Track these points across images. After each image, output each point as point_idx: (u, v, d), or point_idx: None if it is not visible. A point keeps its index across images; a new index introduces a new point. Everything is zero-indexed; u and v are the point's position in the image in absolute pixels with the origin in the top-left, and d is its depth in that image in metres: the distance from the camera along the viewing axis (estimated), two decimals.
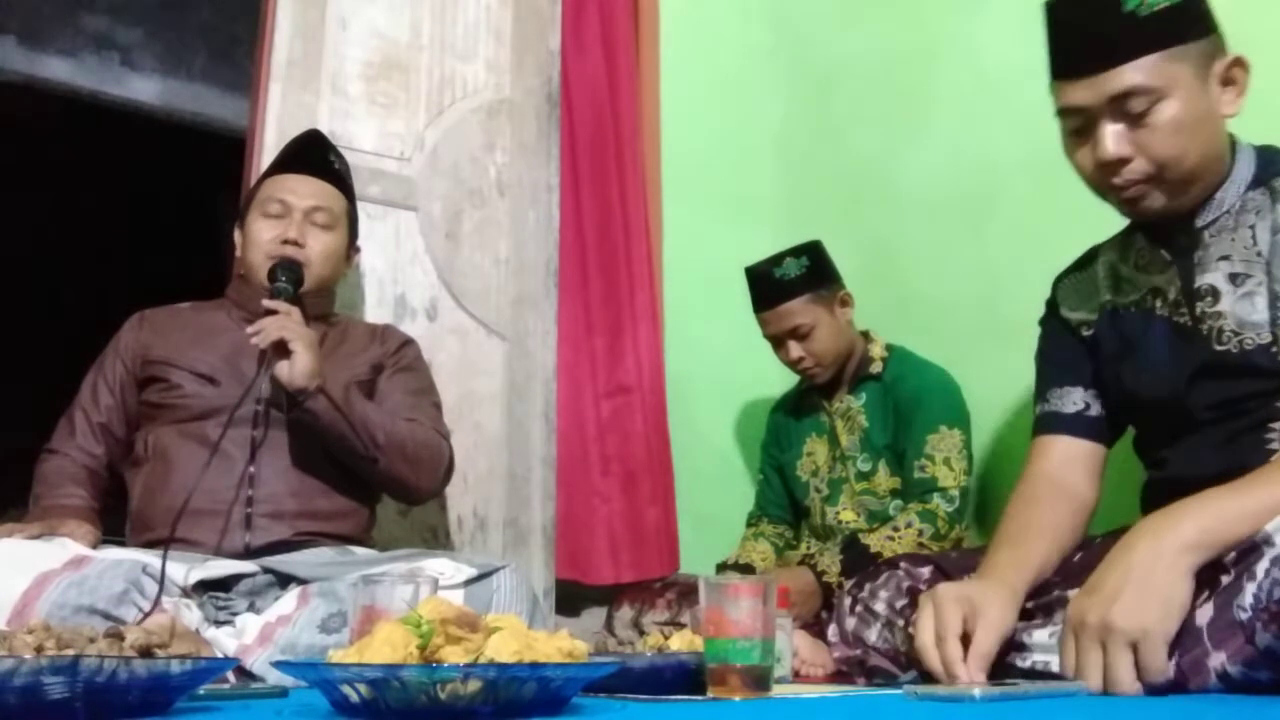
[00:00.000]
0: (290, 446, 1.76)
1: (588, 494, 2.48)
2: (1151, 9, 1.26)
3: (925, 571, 1.51)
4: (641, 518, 2.50)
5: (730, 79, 2.92)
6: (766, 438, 2.53)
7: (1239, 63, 1.32)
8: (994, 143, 2.33)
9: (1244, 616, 1.06)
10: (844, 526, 2.25)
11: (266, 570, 1.62)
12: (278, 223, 1.86)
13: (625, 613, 2.30)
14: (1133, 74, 1.26)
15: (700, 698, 1.17)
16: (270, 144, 2.15)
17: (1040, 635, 1.28)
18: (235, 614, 1.56)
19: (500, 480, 2.32)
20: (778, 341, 2.31)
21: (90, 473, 1.81)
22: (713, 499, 2.66)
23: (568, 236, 2.54)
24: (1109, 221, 1.58)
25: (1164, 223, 1.39)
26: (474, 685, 0.86)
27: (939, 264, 2.43)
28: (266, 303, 1.73)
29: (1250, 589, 1.06)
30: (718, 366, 2.74)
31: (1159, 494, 1.38)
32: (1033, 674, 1.26)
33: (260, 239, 1.85)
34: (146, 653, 0.88)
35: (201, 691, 1.02)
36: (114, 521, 1.82)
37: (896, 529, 2.07)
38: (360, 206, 2.05)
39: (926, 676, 1.41)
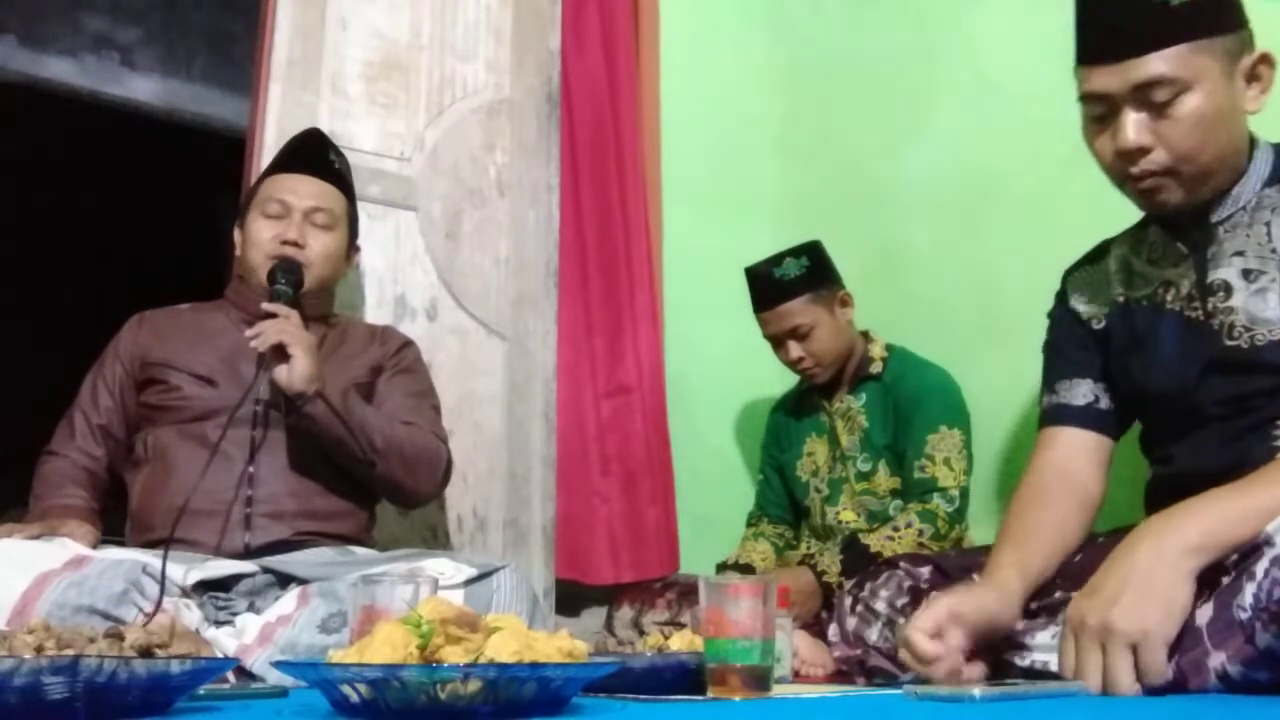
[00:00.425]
0: (289, 447, 1.76)
1: (588, 494, 2.48)
2: None
3: (925, 571, 1.51)
4: (641, 518, 2.50)
5: (730, 79, 2.92)
6: (766, 438, 2.53)
7: (1266, 59, 1.31)
8: (994, 143, 2.33)
9: (1244, 616, 1.06)
10: (844, 526, 2.25)
11: (266, 570, 1.62)
12: (278, 223, 1.85)
13: (625, 613, 2.30)
14: (1159, 63, 1.26)
15: (700, 698, 1.17)
16: (270, 144, 2.15)
17: (1043, 636, 1.28)
18: (235, 614, 1.56)
19: (500, 480, 2.32)
20: (778, 341, 2.31)
21: (90, 474, 1.81)
22: (713, 499, 2.66)
23: (568, 236, 2.54)
24: (1109, 222, 1.59)
25: (1179, 217, 1.38)
26: (474, 685, 0.86)
27: (939, 264, 2.43)
28: (266, 306, 1.73)
29: (1250, 589, 1.06)
30: (718, 366, 2.74)
31: (1164, 490, 1.37)
32: (1032, 673, 1.26)
33: (260, 239, 1.85)
34: (146, 653, 0.88)
35: (201, 691, 1.02)
36: (114, 522, 1.82)
37: (896, 529, 2.07)
38: (360, 206, 2.05)
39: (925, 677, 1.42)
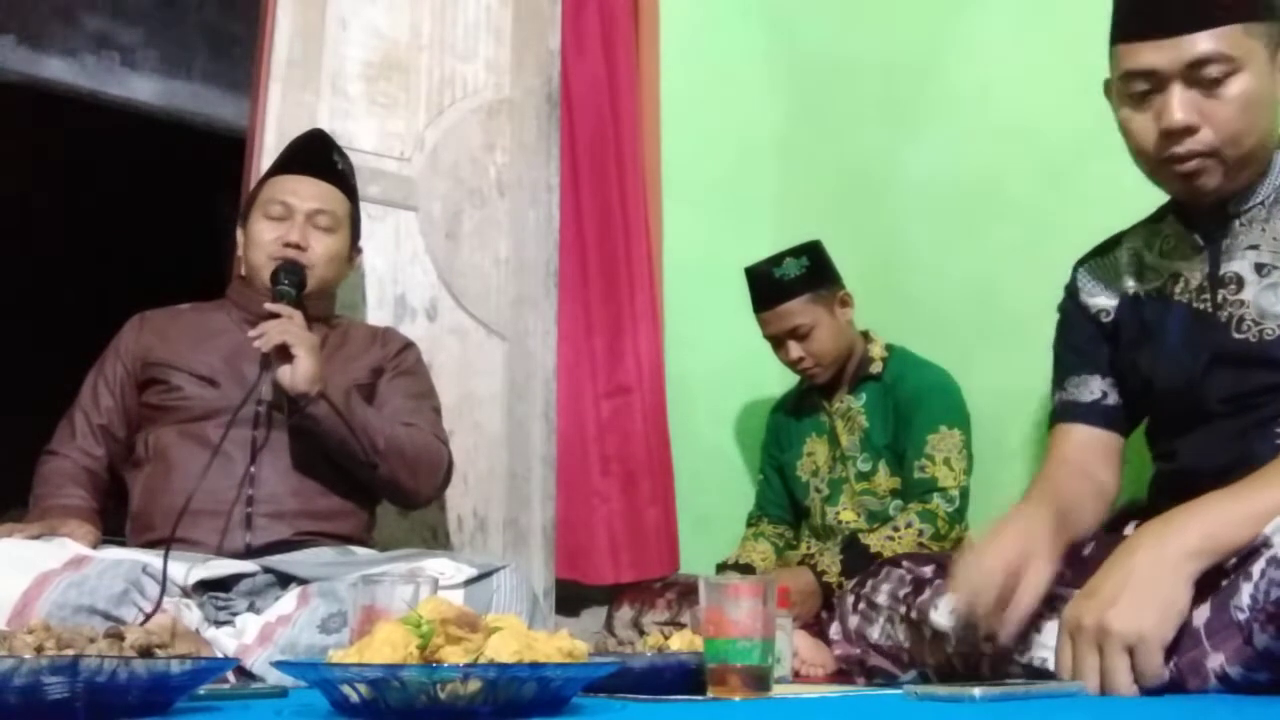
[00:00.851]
0: (291, 447, 1.76)
1: (587, 494, 2.48)
2: None
3: (928, 570, 1.51)
4: (641, 518, 2.50)
5: (730, 79, 2.92)
6: (766, 438, 2.53)
7: None
8: (994, 143, 2.33)
9: (1241, 617, 1.06)
10: (844, 526, 2.25)
11: (267, 570, 1.62)
12: (280, 224, 1.85)
13: (625, 613, 2.30)
14: (1214, 41, 1.25)
15: (700, 698, 1.17)
16: (270, 144, 2.15)
17: (1049, 629, 1.27)
18: (235, 614, 1.56)
19: (500, 480, 2.32)
20: (778, 341, 2.31)
21: (90, 474, 1.81)
22: (713, 499, 2.66)
23: (568, 236, 2.54)
24: (1109, 222, 1.59)
25: (1200, 208, 1.38)
26: (474, 685, 0.86)
27: (939, 264, 2.43)
28: (269, 306, 1.73)
29: (1247, 590, 1.06)
30: (718, 366, 2.74)
31: (1167, 486, 1.38)
32: (1032, 670, 1.26)
33: (262, 240, 1.85)
34: (146, 653, 0.88)
35: (201, 691, 1.02)
36: (114, 522, 1.82)
37: (896, 529, 2.07)
38: (361, 206, 2.04)
39: (926, 677, 1.42)
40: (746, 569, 2.29)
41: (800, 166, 2.86)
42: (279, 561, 1.64)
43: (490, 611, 1.41)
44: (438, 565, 1.56)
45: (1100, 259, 1.56)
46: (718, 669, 1.15)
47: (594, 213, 2.59)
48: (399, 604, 1.11)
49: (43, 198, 4.49)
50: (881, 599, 1.52)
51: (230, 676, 1.39)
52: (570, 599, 2.42)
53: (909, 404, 2.21)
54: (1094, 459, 1.49)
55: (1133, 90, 1.32)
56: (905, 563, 1.55)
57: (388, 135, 2.33)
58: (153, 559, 1.50)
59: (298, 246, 1.83)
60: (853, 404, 2.30)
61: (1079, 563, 1.35)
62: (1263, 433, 1.29)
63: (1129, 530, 1.36)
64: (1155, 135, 1.31)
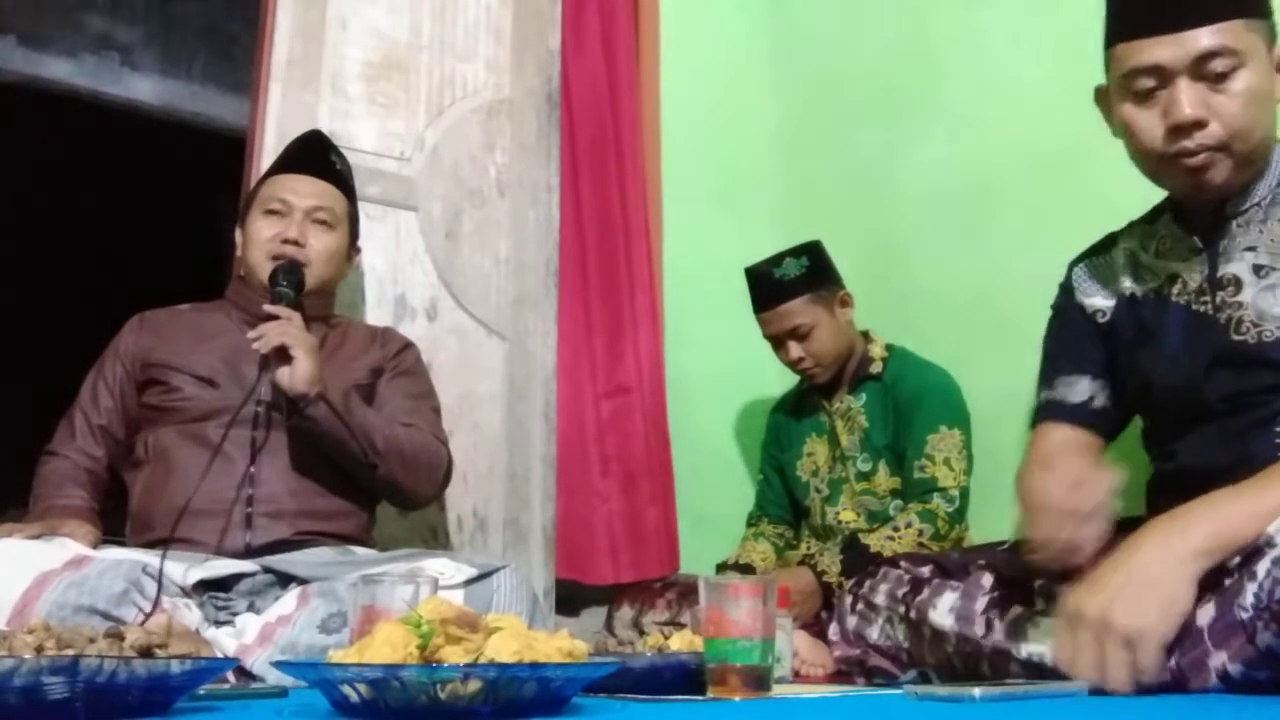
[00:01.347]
0: (290, 447, 1.76)
1: (587, 494, 2.48)
2: None
3: (926, 570, 1.51)
4: (641, 518, 2.50)
5: (730, 79, 2.92)
6: (766, 438, 2.53)
7: None
8: (994, 142, 2.33)
9: (1245, 616, 1.06)
10: (844, 526, 2.25)
11: (266, 570, 1.62)
12: (279, 222, 1.85)
13: (625, 613, 2.30)
14: (1220, 35, 1.26)
15: (700, 698, 1.17)
16: (270, 144, 2.15)
17: (1046, 623, 1.27)
18: (235, 614, 1.56)
19: (500, 480, 2.32)
20: (778, 342, 2.31)
21: (90, 474, 1.81)
22: (713, 499, 2.66)
23: (568, 236, 2.54)
24: (1108, 222, 1.59)
25: (1194, 209, 1.38)
26: (474, 685, 0.86)
27: (939, 264, 2.43)
28: (268, 307, 1.73)
29: (1251, 589, 1.06)
30: (718, 366, 2.74)
31: (1166, 486, 1.38)
32: (1031, 667, 1.26)
33: (260, 238, 1.85)
34: (146, 653, 0.88)
35: (201, 691, 1.02)
36: (114, 522, 1.82)
37: (896, 529, 2.07)
38: (360, 206, 2.05)
39: (926, 676, 1.42)
40: (746, 569, 2.29)
41: (800, 166, 2.86)
42: (279, 561, 1.64)
43: (490, 611, 1.41)
44: (438, 565, 1.56)
45: (1096, 258, 1.55)
46: (718, 669, 1.15)
47: (594, 213, 2.59)
48: (399, 604, 1.11)
49: (43, 198, 4.49)
50: (880, 599, 1.52)
51: (230, 676, 1.39)
52: (570, 599, 2.42)
53: (909, 404, 2.21)
54: (1078, 456, 1.47)
55: (1138, 88, 1.32)
56: (903, 563, 1.55)
57: (387, 135, 2.33)
58: (153, 559, 1.50)
59: (296, 243, 1.83)
60: (853, 404, 2.30)
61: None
62: (1262, 433, 1.29)
63: None
64: (1163, 132, 1.31)
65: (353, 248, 1.99)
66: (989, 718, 0.97)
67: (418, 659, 0.90)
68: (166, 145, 4.27)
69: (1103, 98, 1.41)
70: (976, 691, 1.06)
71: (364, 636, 0.96)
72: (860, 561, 1.98)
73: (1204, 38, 1.26)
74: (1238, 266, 1.34)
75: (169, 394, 1.78)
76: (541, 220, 2.49)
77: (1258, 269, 1.32)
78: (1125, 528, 1.42)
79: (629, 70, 2.69)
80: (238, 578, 1.61)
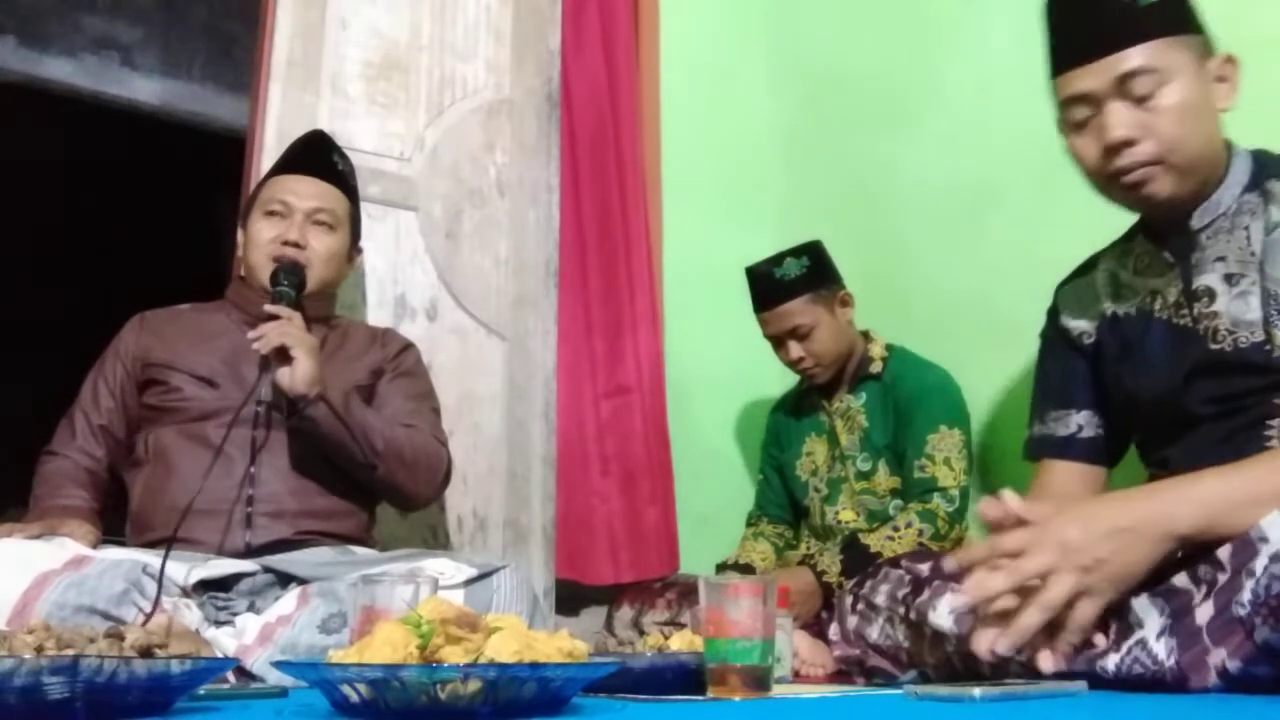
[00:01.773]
0: (290, 447, 1.76)
1: (587, 494, 2.48)
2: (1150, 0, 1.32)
3: (925, 568, 1.51)
4: (641, 518, 2.50)
5: (730, 79, 2.92)
6: (766, 438, 2.53)
7: (1230, 60, 1.36)
8: (994, 143, 2.33)
9: (1243, 613, 1.06)
10: (843, 526, 2.25)
11: (267, 570, 1.62)
12: (280, 222, 1.85)
13: (625, 613, 2.30)
14: (1139, 55, 1.31)
15: (700, 698, 1.17)
16: (270, 144, 2.15)
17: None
18: (235, 614, 1.56)
19: (500, 480, 2.32)
20: (778, 341, 2.31)
21: (90, 474, 1.81)
22: (712, 499, 2.66)
23: (568, 236, 2.54)
24: (1107, 223, 1.59)
25: (1162, 225, 1.42)
26: (474, 685, 0.86)
27: (939, 264, 2.44)
28: (268, 308, 1.73)
29: (1249, 586, 1.07)
30: (718, 366, 2.74)
31: None
32: (1031, 669, 1.26)
33: (262, 239, 1.85)
34: (146, 653, 0.88)
35: (201, 691, 1.02)
36: (114, 522, 1.82)
37: (896, 529, 2.07)
38: (361, 207, 2.04)
39: (926, 676, 1.42)
40: (746, 569, 2.29)
41: (801, 166, 2.86)
42: (279, 561, 1.64)
43: (490, 611, 1.41)
44: (438, 565, 1.56)
45: (1078, 281, 1.59)
46: (718, 669, 1.15)
47: (594, 213, 2.59)
48: (399, 604, 1.11)
49: (43, 198, 4.49)
50: (880, 599, 1.52)
51: (230, 676, 1.39)
52: (570, 599, 2.42)
53: (909, 404, 2.21)
54: (1076, 489, 1.52)
55: (1074, 117, 1.38)
56: (904, 562, 1.55)
57: (388, 135, 2.33)
58: (153, 559, 1.50)
59: (297, 245, 1.83)
60: (852, 403, 2.30)
61: None
62: (1251, 435, 1.31)
63: None
64: (1099, 153, 1.36)
65: (354, 249, 1.98)
66: (989, 718, 0.97)
67: (418, 659, 0.90)
68: (166, 145, 4.28)
69: (1060, 127, 1.47)
70: (976, 691, 1.06)
71: (364, 636, 0.96)
72: (860, 561, 1.98)
73: (1124, 61, 1.31)
74: (1210, 278, 1.37)
75: (169, 394, 1.78)
76: (541, 220, 2.49)
77: (1229, 278, 1.35)
78: None
79: (629, 70, 2.69)
80: (238, 577, 1.61)
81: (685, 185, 2.78)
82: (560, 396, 2.45)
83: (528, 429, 2.37)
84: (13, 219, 4.22)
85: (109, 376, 1.84)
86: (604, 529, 2.47)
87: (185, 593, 1.55)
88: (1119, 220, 1.57)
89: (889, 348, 2.32)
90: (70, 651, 0.82)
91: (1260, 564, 1.06)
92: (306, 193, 1.88)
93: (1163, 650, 1.13)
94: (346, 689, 0.89)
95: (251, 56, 2.33)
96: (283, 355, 1.68)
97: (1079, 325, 1.55)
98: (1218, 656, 1.08)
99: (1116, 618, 1.20)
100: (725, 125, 2.89)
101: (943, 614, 1.38)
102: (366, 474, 1.77)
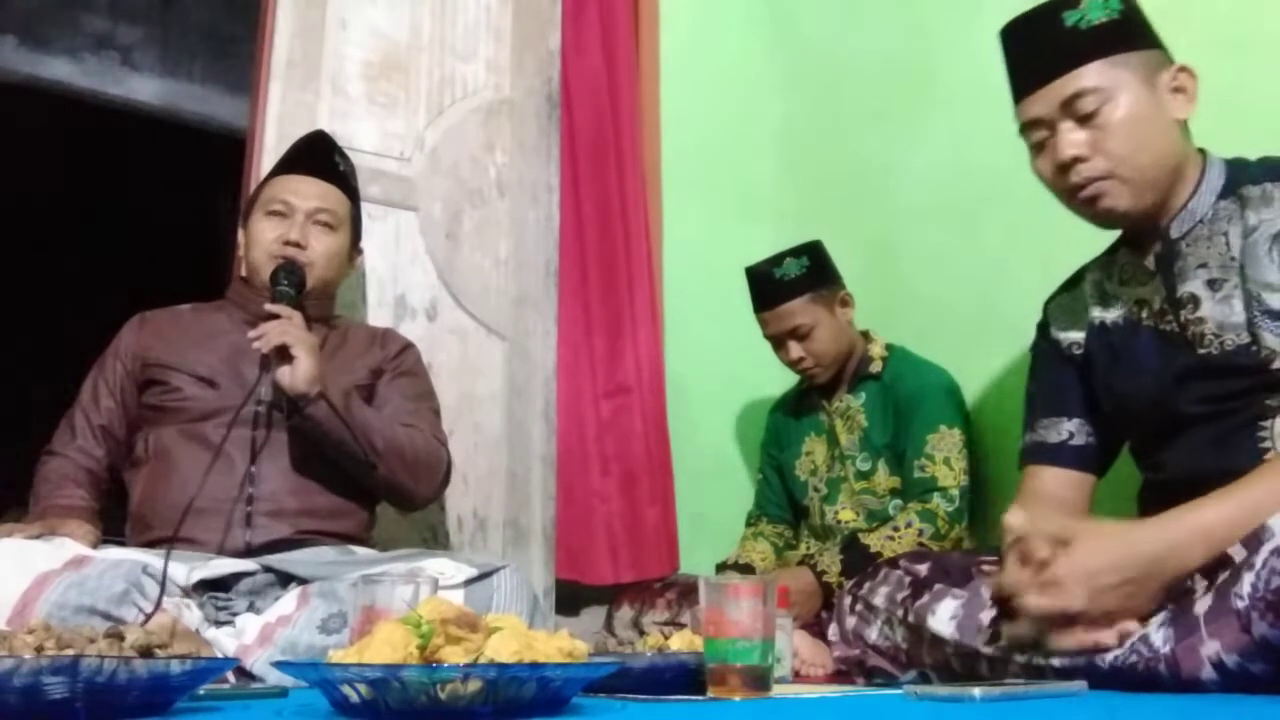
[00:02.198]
0: (290, 447, 1.76)
1: (587, 494, 2.48)
2: (1090, 24, 1.38)
3: (924, 568, 1.51)
4: (641, 518, 2.50)
5: (730, 79, 2.92)
6: (766, 437, 2.53)
7: (1185, 70, 1.40)
8: (994, 143, 2.31)
9: (1240, 605, 1.07)
10: (843, 526, 2.25)
11: (267, 569, 1.62)
12: (281, 222, 1.85)
13: (625, 613, 2.30)
14: (1079, 78, 1.38)
15: (700, 698, 1.17)
16: (270, 144, 2.15)
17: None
18: (235, 614, 1.56)
19: (500, 480, 2.32)
20: (778, 341, 2.31)
21: (90, 474, 1.81)
22: (712, 499, 2.66)
23: (568, 236, 2.54)
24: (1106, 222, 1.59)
25: (1141, 236, 1.45)
26: (474, 685, 0.86)
27: (939, 264, 2.43)
28: (269, 307, 1.73)
29: (1248, 578, 1.07)
30: (718, 366, 2.74)
31: (1156, 495, 1.40)
32: (1029, 667, 1.26)
33: (263, 239, 1.85)
34: (146, 653, 0.88)
35: (201, 691, 1.02)
36: (114, 522, 1.82)
37: (896, 529, 2.07)
38: (361, 207, 2.04)
39: (926, 676, 1.42)
40: (746, 569, 2.29)
41: (800, 166, 2.86)
42: (279, 560, 1.64)
43: (490, 612, 1.41)
44: (438, 565, 1.56)
45: (1066, 294, 1.62)
46: (718, 669, 1.15)
47: (594, 213, 2.59)
48: (399, 604, 1.11)
49: (43, 198, 4.49)
50: (879, 601, 1.52)
51: (230, 676, 1.39)
52: (570, 599, 2.42)
53: (908, 403, 2.21)
54: (1064, 494, 1.54)
55: (1033, 140, 1.46)
56: (902, 563, 1.55)
57: (388, 135, 2.33)
58: (153, 559, 1.50)
59: (298, 245, 1.83)
60: (852, 403, 2.30)
61: None
62: (1244, 436, 1.32)
63: None
64: (1054, 172, 1.43)
65: (355, 249, 1.99)
66: (989, 718, 0.97)
67: (418, 659, 0.90)
68: (166, 145, 4.28)
69: None
70: (976, 691, 1.06)
71: (364, 636, 0.96)
72: (860, 561, 1.98)
73: (1067, 85, 1.38)
74: (1193, 285, 1.39)
75: (169, 394, 1.78)
76: (541, 220, 2.49)
77: (1211, 283, 1.37)
78: None
79: (629, 70, 2.69)
80: (238, 577, 1.61)
81: (685, 185, 2.77)
82: (560, 396, 2.45)
83: (528, 429, 2.37)
84: (12, 219, 4.22)
85: (109, 376, 1.84)
86: (604, 529, 2.47)
87: (185, 593, 1.55)
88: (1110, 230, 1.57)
89: (889, 348, 2.32)
90: (70, 651, 0.82)
91: (1260, 557, 1.07)
92: (308, 193, 1.88)
93: (1160, 639, 1.14)
94: (346, 689, 0.89)
95: (251, 56, 2.33)
96: (283, 354, 1.68)
97: (1069, 336, 1.58)
98: (1212, 648, 1.09)
99: None
100: (725, 125, 2.89)
101: (943, 619, 1.38)
102: (367, 473, 1.77)
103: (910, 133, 2.54)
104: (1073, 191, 1.42)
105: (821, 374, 2.30)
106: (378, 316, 2.23)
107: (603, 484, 2.50)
